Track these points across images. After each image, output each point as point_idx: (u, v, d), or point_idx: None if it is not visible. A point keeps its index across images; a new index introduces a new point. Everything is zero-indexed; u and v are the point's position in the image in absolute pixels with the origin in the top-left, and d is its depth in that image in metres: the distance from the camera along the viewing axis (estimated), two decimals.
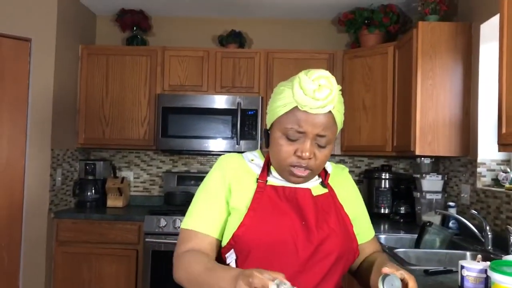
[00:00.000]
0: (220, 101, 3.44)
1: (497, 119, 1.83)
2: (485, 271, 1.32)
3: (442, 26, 2.84)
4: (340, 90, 1.15)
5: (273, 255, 1.12)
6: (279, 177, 1.22)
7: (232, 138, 3.42)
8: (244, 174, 1.23)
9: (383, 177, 3.47)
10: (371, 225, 1.37)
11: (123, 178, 3.69)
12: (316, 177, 1.26)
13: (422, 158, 3.07)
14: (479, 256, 1.44)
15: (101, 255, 3.20)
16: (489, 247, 2.28)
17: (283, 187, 1.21)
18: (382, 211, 3.42)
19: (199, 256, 1.14)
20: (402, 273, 1.03)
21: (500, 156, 2.69)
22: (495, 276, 1.18)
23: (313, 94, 1.08)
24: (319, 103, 1.08)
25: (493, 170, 2.70)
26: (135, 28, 3.74)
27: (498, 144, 1.83)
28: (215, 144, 3.44)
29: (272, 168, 1.24)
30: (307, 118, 1.11)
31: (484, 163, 2.71)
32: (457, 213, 2.77)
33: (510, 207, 2.35)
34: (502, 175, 2.57)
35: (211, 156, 3.92)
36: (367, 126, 3.34)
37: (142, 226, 3.18)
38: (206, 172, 1.29)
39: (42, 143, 3.16)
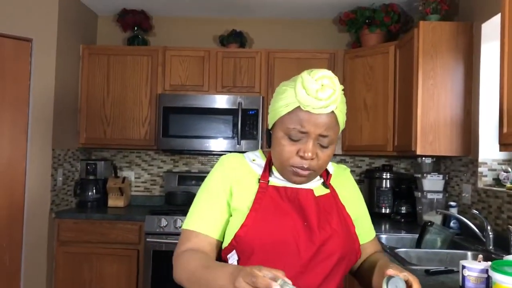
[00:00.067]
0: (221, 101, 3.44)
1: (498, 119, 1.83)
2: (486, 271, 1.32)
3: (443, 26, 2.84)
4: (343, 90, 1.15)
5: (275, 256, 1.12)
6: (281, 177, 1.21)
7: (233, 138, 3.42)
8: (246, 174, 1.23)
9: (384, 176, 3.47)
10: (372, 225, 1.37)
11: (124, 178, 3.69)
12: (318, 177, 1.25)
13: (423, 158, 3.06)
14: (480, 256, 1.44)
15: (102, 255, 3.20)
16: (490, 247, 2.28)
17: (285, 188, 1.20)
18: (383, 211, 3.41)
19: (198, 254, 1.14)
20: (406, 274, 1.03)
21: (501, 155, 2.68)
22: (496, 276, 1.18)
23: (316, 94, 1.08)
24: (321, 103, 1.08)
25: (494, 170, 2.70)
26: (136, 28, 3.75)
27: (499, 143, 1.83)
28: (216, 144, 3.44)
29: (273, 168, 1.23)
30: (310, 118, 1.10)
31: (485, 163, 2.70)
32: (458, 213, 2.77)
33: (511, 207, 2.34)
34: (503, 175, 2.57)
35: (212, 156, 3.92)
36: (368, 126, 3.34)
37: (143, 226, 3.18)
38: (207, 172, 1.29)
39: (43, 143, 3.16)
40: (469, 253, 2.25)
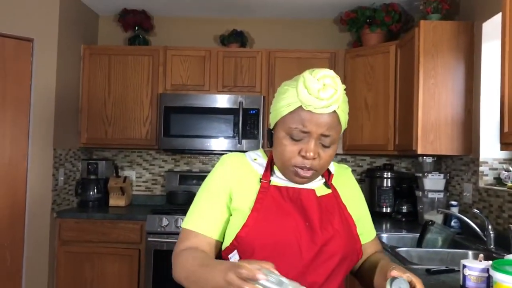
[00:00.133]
0: (222, 101, 3.45)
1: (499, 118, 1.83)
2: (487, 270, 1.32)
3: (444, 25, 2.84)
4: (345, 89, 1.15)
5: (276, 256, 1.11)
6: (283, 177, 1.21)
7: (234, 137, 3.43)
8: (247, 173, 1.23)
9: (385, 176, 3.47)
10: (373, 225, 1.37)
11: (125, 178, 3.69)
12: (320, 177, 1.25)
13: (424, 157, 3.06)
14: (481, 255, 1.44)
15: (103, 255, 3.20)
16: (491, 246, 2.28)
17: (287, 188, 1.20)
18: (384, 210, 3.41)
19: (196, 253, 1.14)
20: (409, 276, 1.03)
21: (503, 155, 2.68)
22: (497, 275, 1.18)
23: (318, 93, 1.07)
24: (323, 102, 1.08)
25: (496, 169, 2.70)
26: (137, 28, 3.75)
27: (500, 143, 1.83)
28: (217, 144, 3.44)
29: (275, 168, 1.23)
30: (312, 118, 1.10)
31: (486, 162, 2.70)
32: (459, 212, 2.77)
33: None
34: (504, 174, 2.57)
35: (213, 156, 3.92)
36: (369, 125, 3.34)
37: (144, 226, 3.18)
38: (208, 172, 1.29)
39: (45, 143, 3.17)
40: (470, 253, 2.25)
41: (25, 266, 3.07)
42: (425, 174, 2.98)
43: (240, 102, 3.42)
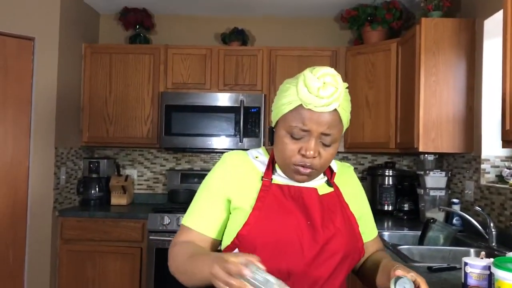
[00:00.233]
0: (223, 99, 3.45)
1: (501, 116, 1.82)
2: (489, 267, 1.32)
3: (445, 22, 2.83)
4: (347, 88, 1.14)
5: (278, 255, 1.11)
6: (284, 175, 1.20)
7: (235, 135, 3.43)
8: (248, 171, 1.23)
9: (387, 174, 3.46)
10: (374, 223, 1.37)
11: (127, 176, 3.70)
12: (322, 175, 1.24)
13: (426, 155, 3.06)
14: (483, 252, 1.43)
15: (105, 253, 3.21)
16: (493, 244, 2.27)
17: (289, 186, 1.20)
18: (386, 208, 3.41)
19: (188, 245, 1.16)
20: (413, 275, 1.03)
21: (504, 152, 2.68)
22: (498, 273, 1.18)
23: (317, 92, 1.07)
24: (323, 101, 1.07)
25: (497, 167, 2.69)
26: (138, 26, 3.75)
27: (502, 140, 1.83)
28: (218, 142, 3.44)
29: (277, 166, 1.22)
30: (312, 116, 1.09)
31: (488, 160, 2.70)
32: (461, 210, 2.76)
33: None
34: (506, 172, 2.56)
35: (214, 154, 3.93)
36: (370, 123, 3.33)
37: (146, 224, 3.19)
38: (209, 170, 1.29)
39: (46, 142, 3.17)
40: (472, 250, 2.25)
41: (27, 264, 3.08)
42: (427, 172, 2.98)
43: (241, 101, 3.42)
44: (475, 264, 1.36)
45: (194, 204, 1.25)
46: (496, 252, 2.13)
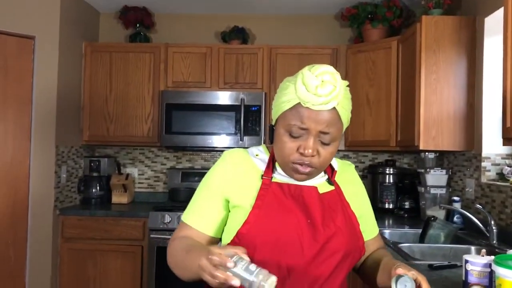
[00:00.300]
0: (223, 97, 3.45)
1: (501, 113, 1.82)
2: (490, 265, 1.32)
3: (446, 20, 2.82)
4: (347, 86, 1.14)
5: (278, 253, 1.11)
6: (284, 173, 1.20)
7: (235, 134, 3.43)
8: (249, 170, 1.22)
9: (387, 172, 3.46)
10: (375, 222, 1.37)
11: (127, 175, 3.70)
12: (322, 174, 1.24)
13: (426, 153, 3.06)
14: (484, 250, 1.43)
15: (106, 252, 3.22)
16: (494, 242, 2.27)
17: (289, 184, 1.19)
18: (387, 206, 3.41)
19: (185, 240, 1.17)
20: (415, 273, 1.03)
21: (505, 150, 2.68)
22: (499, 271, 1.18)
23: (315, 90, 1.06)
24: (321, 99, 1.06)
25: (498, 165, 2.69)
26: (138, 25, 3.75)
27: (503, 138, 1.83)
28: (219, 140, 3.44)
29: (277, 165, 1.22)
30: (310, 115, 1.08)
31: (489, 157, 2.70)
32: (461, 208, 2.76)
33: None
34: (506, 169, 2.56)
35: (215, 152, 3.93)
36: (371, 121, 3.33)
37: (146, 222, 3.19)
38: (210, 168, 1.29)
39: (47, 141, 3.17)
40: (473, 248, 2.25)
41: (28, 263, 3.09)
42: (427, 169, 2.98)
43: (241, 99, 3.42)
44: (476, 261, 1.36)
45: (193, 202, 1.25)
46: (497, 250, 2.13)
